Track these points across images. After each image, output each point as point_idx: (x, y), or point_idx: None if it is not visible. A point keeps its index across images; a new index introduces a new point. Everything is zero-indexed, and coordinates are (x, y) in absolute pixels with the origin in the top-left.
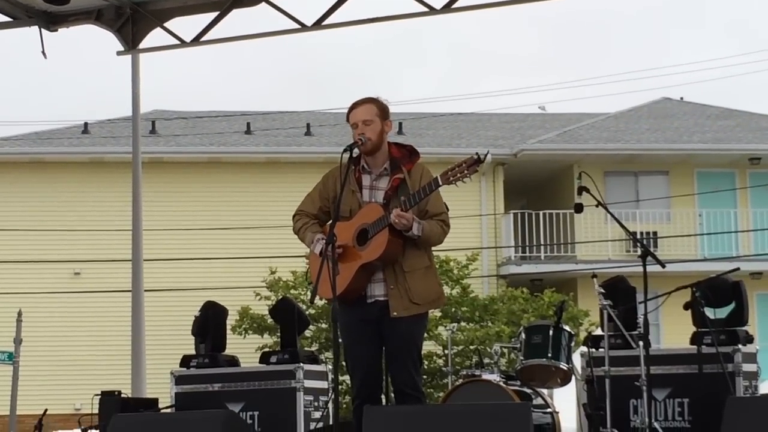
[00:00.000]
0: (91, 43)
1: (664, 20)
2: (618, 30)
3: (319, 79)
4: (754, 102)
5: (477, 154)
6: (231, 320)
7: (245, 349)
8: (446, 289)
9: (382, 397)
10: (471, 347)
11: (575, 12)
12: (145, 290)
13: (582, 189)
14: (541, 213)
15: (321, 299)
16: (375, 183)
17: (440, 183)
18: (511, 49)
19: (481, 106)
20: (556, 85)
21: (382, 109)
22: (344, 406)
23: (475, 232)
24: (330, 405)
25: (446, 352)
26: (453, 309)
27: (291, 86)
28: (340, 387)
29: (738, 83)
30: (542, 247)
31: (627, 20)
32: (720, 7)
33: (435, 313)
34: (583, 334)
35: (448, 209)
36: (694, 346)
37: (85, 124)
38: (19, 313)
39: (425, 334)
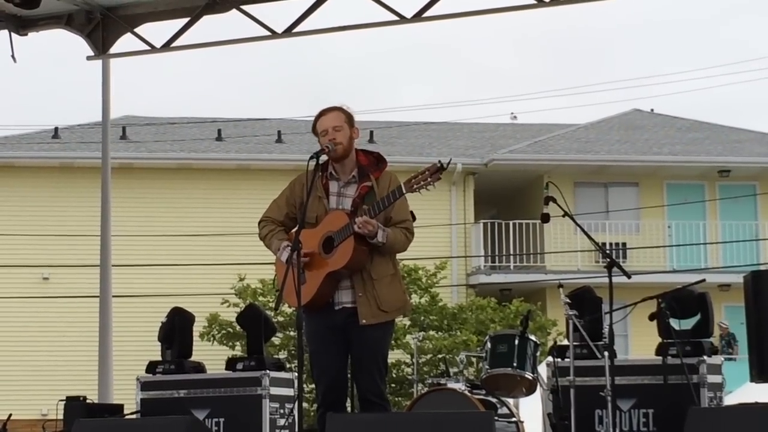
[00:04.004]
0: (61, 47)
1: (636, 33)
2: (590, 42)
3: (290, 87)
4: (723, 115)
5: (440, 161)
6: (199, 327)
7: (214, 356)
8: (414, 298)
9: (348, 404)
10: (439, 356)
11: (548, 23)
12: (114, 296)
13: (549, 199)
14: (511, 223)
15: (288, 306)
16: (343, 190)
17: (404, 191)
18: (483, 59)
19: (453, 115)
20: (527, 95)
21: (349, 116)
22: (311, 413)
23: (444, 241)
24: (295, 412)
25: (413, 360)
26: (422, 318)
27: (262, 94)
28: (307, 395)
29: (708, 96)
30: (511, 257)
31: (599, 33)
32: (691, 22)
33: (403, 321)
34: (551, 344)
35: (415, 218)
36: (660, 357)
37: (56, 129)
38: None
39: (393, 343)
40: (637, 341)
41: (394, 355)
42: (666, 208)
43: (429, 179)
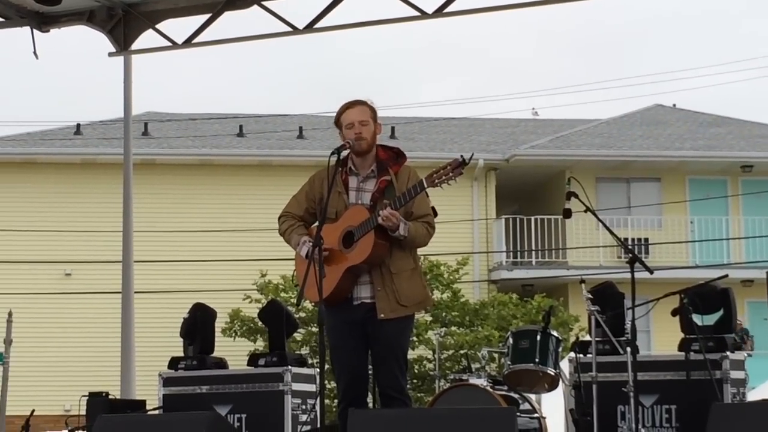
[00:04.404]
0: (84, 44)
1: (659, 28)
2: (612, 37)
3: (311, 82)
4: (746, 110)
5: (462, 156)
6: (221, 323)
7: (236, 352)
8: (436, 294)
9: (369, 400)
10: (461, 352)
11: (571, 19)
12: (135, 292)
13: (570, 194)
14: (532, 218)
15: (309, 302)
16: (362, 185)
17: (425, 185)
18: (506, 55)
19: (474, 110)
20: (549, 90)
21: (374, 111)
22: (333, 409)
23: (466, 236)
24: (317, 408)
25: (435, 356)
26: (443, 313)
27: (284, 89)
28: (330, 391)
29: (730, 91)
30: (533, 253)
31: (621, 28)
32: (711, 16)
33: (426, 317)
34: (573, 340)
35: (436, 213)
36: (682, 353)
37: (78, 125)
38: (10, 314)
39: (415, 339)
40: (660, 337)
41: (416, 351)
42: (688, 203)
43: (451, 174)
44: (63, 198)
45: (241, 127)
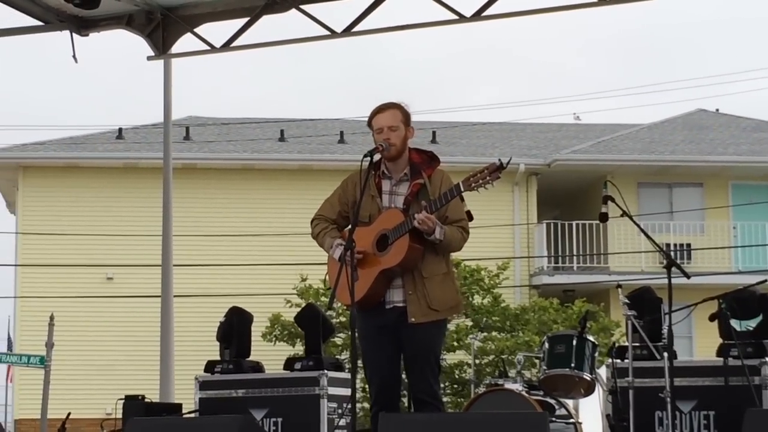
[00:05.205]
0: (127, 48)
1: (701, 32)
2: (654, 41)
3: (353, 86)
4: None
5: (499, 160)
6: (262, 327)
7: (276, 356)
8: (477, 299)
9: (401, 404)
10: (502, 357)
11: (613, 23)
12: (176, 296)
13: (607, 198)
14: (574, 223)
15: (340, 304)
16: (395, 188)
17: (462, 189)
18: (548, 59)
19: (516, 115)
20: (590, 95)
21: (406, 115)
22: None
23: (507, 241)
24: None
25: (475, 361)
26: (484, 318)
27: (325, 94)
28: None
29: None
30: (575, 258)
31: (663, 32)
32: (755, 21)
33: (466, 322)
34: (617, 346)
35: (471, 218)
36: (721, 358)
37: (120, 129)
38: (51, 317)
39: (455, 344)
40: (702, 342)
41: (456, 356)
42: (731, 208)
43: (488, 178)
44: (105, 202)
45: (282, 131)
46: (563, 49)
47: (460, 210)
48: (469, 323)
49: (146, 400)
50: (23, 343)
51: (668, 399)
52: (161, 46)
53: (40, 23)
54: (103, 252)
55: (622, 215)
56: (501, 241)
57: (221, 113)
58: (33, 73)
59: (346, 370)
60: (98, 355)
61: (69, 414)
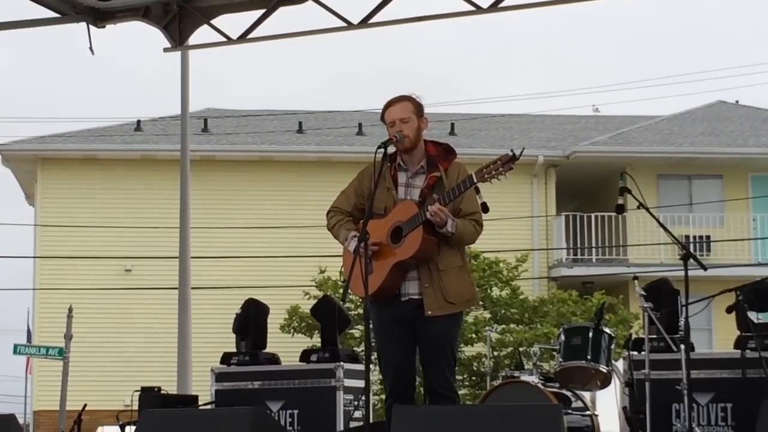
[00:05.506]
0: (144, 40)
1: (721, 23)
2: (673, 33)
3: (371, 78)
4: None
5: (512, 151)
6: (280, 319)
7: (293, 348)
8: (495, 291)
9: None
10: (519, 349)
11: (633, 15)
12: (194, 288)
13: (623, 189)
14: (593, 215)
15: (355, 296)
16: (411, 181)
17: (475, 180)
18: (567, 50)
19: (535, 107)
20: (610, 87)
21: (418, 107)
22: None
23: (526, 233)
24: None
25: (493, 353)
26: (502, 311)
27: (343, 85)
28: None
29: None
30: (594, 250)
31: (683, 23)
32: None
33: (484, 314)
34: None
35: (487, 210)
36: (738, 351)
37: (138, 121)
38: (70, 309)
39: (474, 336)
40: (722, 334)
41: (474, 349)
42: (751, 200)
43: (501, 169)
44: (123, 194)
45: (300, 123)
46: (582, 41)
47: (474, 202)
48: (488, 315)
49: (162, 391)
50: (42, 334)
51: (685, 391)
52: (178, 38)
53: (56, 15)
54: (121, 244)
55: (638, 207)
56: (520, 233)
57: (240, 105)
58: (51, 65)
59: (362, 362)
60: (116, 347)
61: (85, 405)
